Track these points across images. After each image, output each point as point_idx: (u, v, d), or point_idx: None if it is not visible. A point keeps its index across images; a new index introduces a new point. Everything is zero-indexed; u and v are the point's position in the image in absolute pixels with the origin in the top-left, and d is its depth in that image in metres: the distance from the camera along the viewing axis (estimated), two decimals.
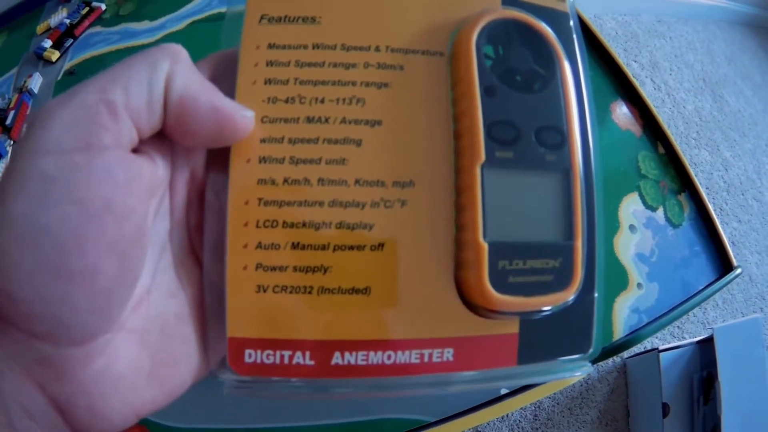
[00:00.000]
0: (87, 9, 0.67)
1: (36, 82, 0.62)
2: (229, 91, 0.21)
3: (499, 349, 0.22)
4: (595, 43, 0.69)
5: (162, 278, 0.21)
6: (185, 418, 0.49)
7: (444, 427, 0.52)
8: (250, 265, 0.20)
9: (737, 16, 1.65)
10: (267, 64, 0.21)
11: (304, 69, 0.22)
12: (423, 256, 0.21)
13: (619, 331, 0.56)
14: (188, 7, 0.68)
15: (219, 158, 0.21)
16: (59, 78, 0.63)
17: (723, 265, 0.63)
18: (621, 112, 0.68)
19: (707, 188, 1.30)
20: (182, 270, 0.21)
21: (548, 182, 0.21)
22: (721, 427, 0.79)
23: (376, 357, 0.21)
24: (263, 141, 0.21)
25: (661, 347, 0.93)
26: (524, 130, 0.21)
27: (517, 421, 0.96)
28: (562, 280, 0.21)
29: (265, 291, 0.20)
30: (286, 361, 0.20)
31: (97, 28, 0.66)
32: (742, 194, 1.32)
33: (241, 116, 0.20)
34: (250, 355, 0.20)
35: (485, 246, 0.20)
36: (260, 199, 0.21)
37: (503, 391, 0.55)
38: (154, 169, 0.19)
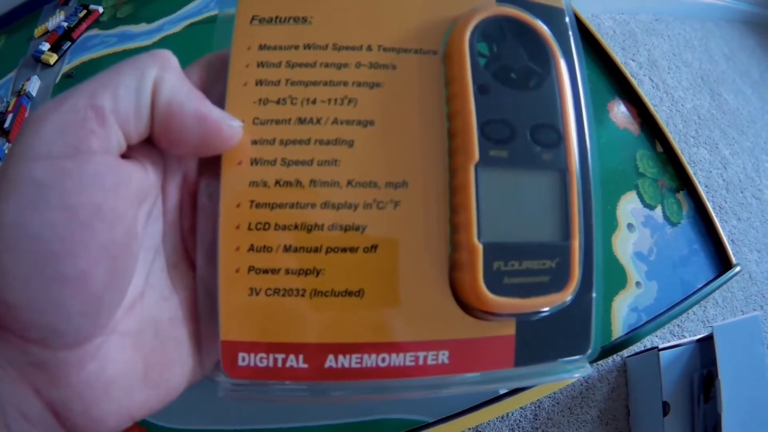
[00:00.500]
0: (84, 12, 0.67)
1: (34, 85, 0.62)
2: (221, 93, 0.21)
3: (495, 352, 0.21)
4: (593, 41, 0.69)
5: (155, 281, 0.21)
6: (185, 418, 0.49)
7: (443, 427, 0.52)
8: (243, 268, 0.20)
9: (735, 13, 1.65)
10: (258, 65, 0.21)
11: (295, 69, 0.21)
12: (417, 258, 0.21)
13: (618, 330, 0.56)
14: (185, 9, 0.68)
15: (211, 161, 0.21)
16: (57, 81, 0.63)
17: (722, 263, 0.62)
18: (619, 110, 0.67)
19: (706, 186, 1.30)
20: (176, 273, 0.21)
21: (544, 181, 0.21)
22: (722, 426, 0.79)
23: (370, 360, 0.20)
24: (254, 143, 0.21)
25: (661, 346, 0.92)
26: (519, 128, 0.21)
27: (517, 421, 0.96)
28: (559, 281, 0.21)
29: (257, 294, 0.20)
30: (279, 364, 0.20)
31: (95, 31, 0.66)
32: (741, 192, 1.32)
33: (228, 126, 0.20)
34: (244, 359, 0.20)
35: (480, 247, 0.20)
36: (252, 202, 0.20)
37: (502, 391, 0.55)
38: (144, 174, 0.19)
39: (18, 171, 0.16)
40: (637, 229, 0.61)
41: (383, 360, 0.21)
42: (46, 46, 0.64)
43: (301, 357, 0.20)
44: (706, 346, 0.88)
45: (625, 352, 1.00)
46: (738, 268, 0.61)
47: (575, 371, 0.23)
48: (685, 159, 0.65)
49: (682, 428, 0.88)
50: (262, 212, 0.20)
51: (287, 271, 0.20)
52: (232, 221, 0.20)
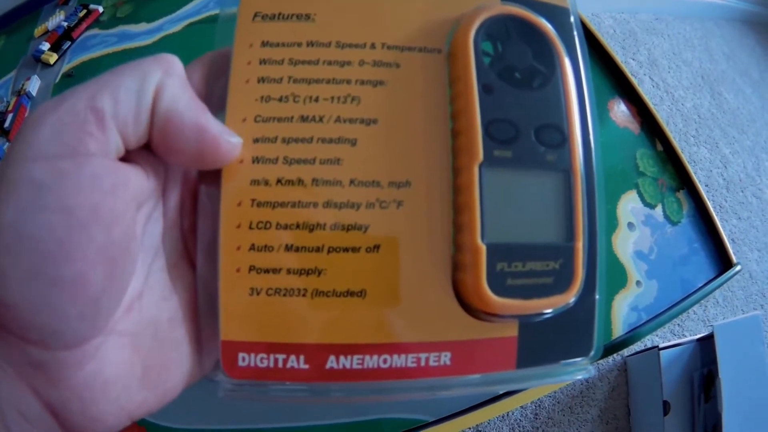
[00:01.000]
0: (84, 11, 0.67)
1: (34, 85, 0.62)
2: (223, 90, 0.21)
3: (497, 353, 0.21)
4: (593, 40, 0.69)
5: (155, 282, 0.21)
6: (186, 418, 0.49)
7: (443, 426, 0.52)
8: (243, 268, 0.20)
9: (735, 13, 1.65)
10: (260, 62, 0.21)
11: (298, 67, 0.21)
12: (420, 258, 0.21)
13: (618, 329, 0.56)
14: (186, 8, 0.68)
15: None
16: (57, 81, 0.63)
17: (722, 262, 0.62)
18: (619, 109, 0.67)
19: (706, 185, 1.30)
20: (176, 273, 0.21)
21: (548, 182, 0.21)
22: (722, 425, 0.79)
23: (371, 361, 0.20)
24: (256, 141, 0.21)
25: (662, 345, 0.92)
26: (523, 128, 0.21)
27: (518, 420, 0.96)
28: (562, 282, 0.21)
29: (258, 294, 0.20)
30: (280, 364, 0.20)
31: (95, 31, 0.66)
32: (742, 191, 1.32)
33: (226, 141, 0.19)
34: (244, 359, 0.20)
35: (483, 248, 0.20)
36: (253, 200, 0.20)
37: (502, 390, 0.55)
38: (144, 176, 0.19)
39: (17, 172, 0.16)
40: (637, 228, 0.61)
41: (385, 361, 0.20)
42: (46, 46, 0.63)
43: (301, 357, 0.20)
44: (706, 345, 0.88)
45: (626, 351, 1.00)
46: (738, 267, 0.61)
47: (577, 373, 0.22)
48: (685, 158, 0.65)
49: (682, 427, 0.88)
50: (264, 211, 0.20)
51: (288, 271, 0.20)
52: (233, 220, 0.20)
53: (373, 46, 0.22)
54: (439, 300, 0.21)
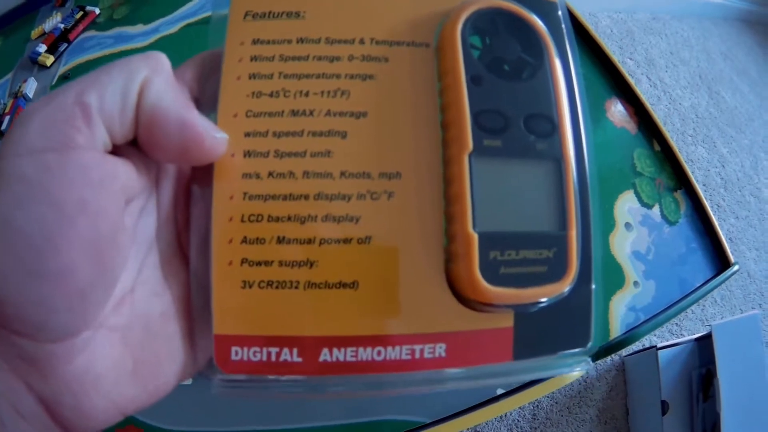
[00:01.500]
0: (81, 13, 0.67)
1: (31, 87, 0.62)
2: (215, 89, 0.21)
3: (493, 344, 0.21)
4: (590, 40, 0.69)
5: (147, 277, 0.21)
6: (183, 421, 0.48)
7: (441, 427, 0.52)
8: (236, 261, 0.20)
9: (732, 12, 1.66)
10: (251, 59, 0.21)
11: (288, 63, 0.21)
12: (412, 249, 0.21)
13: (616, 330, 0.56)
14: (182, 10, 0.68)
15: None
16: (54, 83, 0.63)
17: (720, 261, 0.62)
18: (616, 109, 0.67)
19: (704, 185, 1.30)
20: (169, 268, 0.21)
21: (539, 170, 0.21)
22: (721, 424, 0.79)
23: (365, 353, 0.20)
24: (247, 135, 0.21)
25: (660, 345, 0.92)
26: (513, 118, 0.21)
27: (516, 421, 0.96)
28: (556, 271, 0.21)
29: (251, 286, 0.20)
30: (273, 358, 0.20)
31: (92, 32, 0.67)
32: (740, 190, 1.32)
33: (211, 136, 0.19)
34: (237, 353, 0.20)
35: (475, 236, 0.20)
36: (245, 194, 0.20)
37: (500, 391, 0.55)
38: (132, 170, 0.19)
39: (6, 167, 0.17)
40: (634, 228, 0.61)
41: (379, 353, 0.20)
42: (42, 48, 0.64)
43: (295, 350, 0.20)
44: (704, 344, 0.88)
45: (624, 352, 1.00)
46: (736, 267, 0.61)
47: (576, 366, 0.22)
48: (682, 157, 0.65)
49: (681, 427, 0.88)
50: (255, 204, 0.20)
51: (281, 263, 0.20)
52: (225, 213, 0.20)
53: (362, 41, 0.22)
54: (432, 291, 0.21)
